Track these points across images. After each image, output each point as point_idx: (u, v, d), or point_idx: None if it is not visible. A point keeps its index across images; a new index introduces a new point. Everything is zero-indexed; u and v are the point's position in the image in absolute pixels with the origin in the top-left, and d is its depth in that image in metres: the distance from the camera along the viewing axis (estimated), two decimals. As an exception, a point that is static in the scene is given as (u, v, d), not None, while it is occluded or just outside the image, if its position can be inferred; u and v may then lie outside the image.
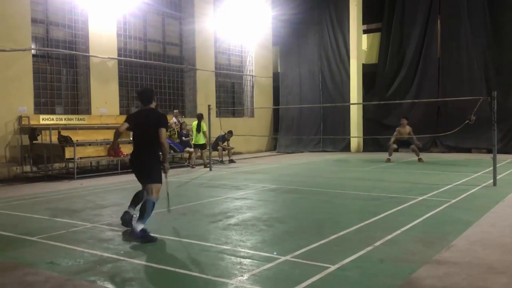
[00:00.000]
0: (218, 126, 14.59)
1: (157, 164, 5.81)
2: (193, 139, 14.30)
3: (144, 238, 5.25)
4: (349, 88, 19.80)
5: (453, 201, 7.47)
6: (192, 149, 14.47)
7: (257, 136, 19.49)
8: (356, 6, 19.54)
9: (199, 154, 14.45)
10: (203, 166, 14.18)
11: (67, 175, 12.26)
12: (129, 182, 10.91)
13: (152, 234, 5.35)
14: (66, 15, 13.60)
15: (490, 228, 5.63)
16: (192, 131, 14.40)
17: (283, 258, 4.51)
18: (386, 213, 6.61)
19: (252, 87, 20.89)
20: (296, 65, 21.45)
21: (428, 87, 18.44)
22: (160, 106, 16.72)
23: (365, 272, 4.10)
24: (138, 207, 5.77)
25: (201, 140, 14.10)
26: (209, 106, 13.61)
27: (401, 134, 14.35)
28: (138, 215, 5.47)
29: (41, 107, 13.05)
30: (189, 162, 14.60)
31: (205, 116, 13.81)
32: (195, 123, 14.25)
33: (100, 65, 14.18)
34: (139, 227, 5.30)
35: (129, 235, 5.50)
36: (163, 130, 5.68)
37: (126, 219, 5.86)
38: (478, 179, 10.10)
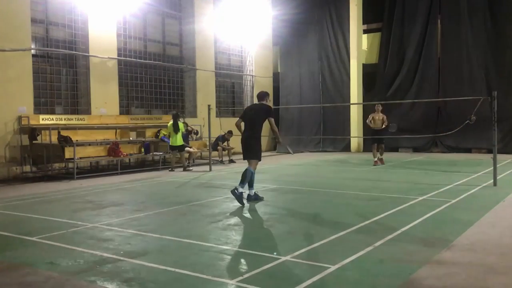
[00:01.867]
0: (218, 126, 14.57)
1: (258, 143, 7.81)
2: (170, 141, 13.35)
3: (239, 198, 7.37)
4: (349, 88, 19.80)
5: (453, 201, 7.46)
6: (192, 149, 14.43)
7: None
8: (356, 6, 19.55)
9: (178, 156, 13.57)
10: (182, 169, 13.35)
11: (67, 175, 12.26)
12: (129, 182, 10.92)
13: (244, 199, 7.45)
14: (66, 15, 13.61)
15: (490, 228, 5.62)
16: (170, 132, 13.35)
17: (283, 258, 4.51)
18: (386, 213, 6.60)
19: (252, 87, 20.89)
20: (296, 65, 21.46)
21: (428, 87, 18.45)
22: (160, 106, 16.73)
23: (365, 272, 4.10)
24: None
25: (179, 141, 13.23)
26: (209, 106, 13.59)
27: (375, 121, 14.11)
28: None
29: (41, 107, 13.05)
30: (189, 163, 14.56)
31: (205, 116, 13.77)
32: (170, 123, 13.30)
33: (100, 65, 14.18)
34: (239, 189, 7.38)
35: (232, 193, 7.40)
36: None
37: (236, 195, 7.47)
38: (478, 179, 10.10)
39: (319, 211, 7.14)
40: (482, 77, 17.33)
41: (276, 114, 21.54)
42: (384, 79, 19.43)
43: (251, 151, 7.73)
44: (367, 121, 14.36)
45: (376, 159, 13.96)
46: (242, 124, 8.01)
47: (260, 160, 7.78)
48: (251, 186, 7.82)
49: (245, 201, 7.54)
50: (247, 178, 7.54)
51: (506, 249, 4.76)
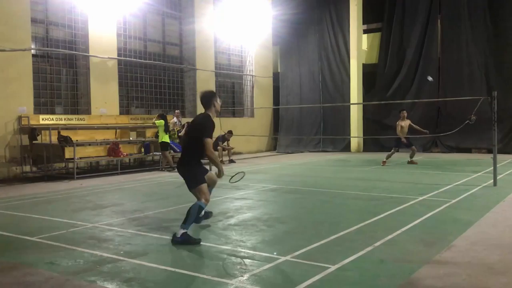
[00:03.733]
0: (218, 126, 14.50)
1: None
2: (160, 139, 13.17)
3: (188, 239, 5.17)
4: (349, 88, 19.80)
5: (453, 201, 7.46)
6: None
7: (257, 136, 19.49)
8: (356, 6, 19.55)
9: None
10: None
11: (67, 175, 12.25)
12: (129, 182, 10.92)
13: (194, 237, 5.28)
14: (66, 15, 13.60)
15: (490, 228, 5.62)
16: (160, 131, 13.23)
17: (283, 258, 4.51)
18: (386, 213, 6.60)
19: (252, 87, 20.89)
20: (296, 65, 21.45)
21: (428, 87, 18.43)
22: (160, 106, 16.72)
23: (365, 272, 4.10)
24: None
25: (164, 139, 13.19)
26: (209, 106, 13.54)
27: (403, 128, 13.87)
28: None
29: (41, 107, 13.05)
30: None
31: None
32: (162, 121, 13.13)
33: (100, 65, 14.18)
34: (179, 231, 5.21)
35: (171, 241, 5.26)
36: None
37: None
38: (478, 179, 10.10)
39: (319, 211, 7.14)
40: (482, 77, 17.34)
41: (276, 114, 21.67)
42: (384, 79, 19.43)
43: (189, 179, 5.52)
44: (397, 131, 13.70)
45: (386, 159, 13.87)
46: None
47: (203, 183, 5.49)
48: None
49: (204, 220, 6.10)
50: (193, 216, 5.34)
51: (506, 249, 4.76)
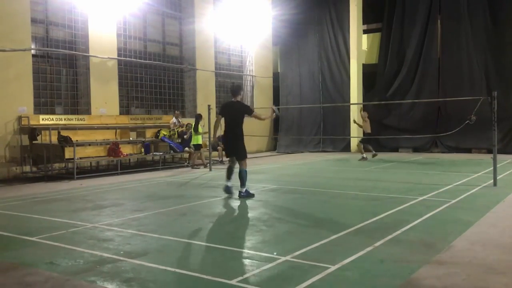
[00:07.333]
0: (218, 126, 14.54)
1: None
2: (192, 140, 14.18)
3: (248, 195, 8.02)
4: (349, 88, 19.80)
5: (453, 201, 7.46)
6: (192, 150, 14.43)
7: (257, 136, 19.47)
8: (356, 6, 19.54)
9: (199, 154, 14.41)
10: (203, 166, 14.14)
11: (67, 175, 12.25)
12: (129, 182, 10.92)
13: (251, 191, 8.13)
14: (66, 15, 13.61)
15: (490, 229, 5.62)
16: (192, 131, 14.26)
17: (283, 258, 4.51)
18: (386, 213, 6.60)
19: (252, 87, 20.89)
20: (296, 65, 21.45)
21: (428, 87, 18.45)
22: (160, 106, 16.73)
23: (365, 273, 4.10)
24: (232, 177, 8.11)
25: (199, 140, 14.08)
26: (209, 106, 13.60)
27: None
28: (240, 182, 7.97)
29: (41, 107, 13.05)
30: (189, 162, 14.59)
31: (205, 116, 13.79)
32: (193, 123, 14.15)
33: (100, 65, 14.18)
34: (243, 189, 8.00)
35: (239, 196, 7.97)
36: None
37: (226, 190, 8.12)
38: (478, 179, 10.10)
39: (319, 211, 7.14)
40: (482, 77, 17.33)
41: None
42: (384, 79, 19.43)
43: (240, 150, 8.13)
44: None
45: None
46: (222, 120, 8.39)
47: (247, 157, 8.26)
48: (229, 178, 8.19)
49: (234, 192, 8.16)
50: (246, 179, 8.07)
51: (506, 249, 4.76)
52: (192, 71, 17.69)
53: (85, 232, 5.88)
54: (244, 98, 20.90)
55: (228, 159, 8.46)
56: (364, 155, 15.16)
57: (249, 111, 8.25)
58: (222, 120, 8.43)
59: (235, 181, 8.22)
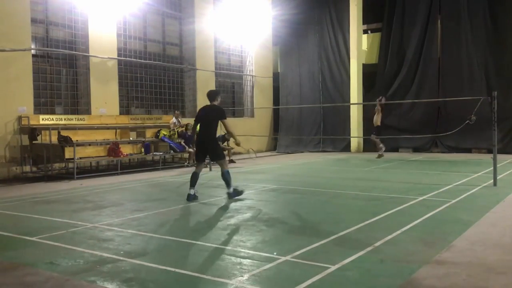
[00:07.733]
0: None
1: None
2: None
3: (236, 194, 8.03)
4: (349, 88, 19.79)
5: (453, 201, 7.46)
6: (192, 149, 14.43)
7: (257, 136, 19.48)
8: (356, 6, 19.53)
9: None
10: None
11: (67, 175, 12.25)
12: (129, 182, 10.92)
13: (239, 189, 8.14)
14: (66, 15, 13.60)
15: (490, 228, 5.62)
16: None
17: (283, 258, 4.51)
18: (386, 213, 6.60)
19: (252, 87, 20.89)
20: (296, 65, 21.45)
21: (428, 87, 18.44)
22: (160, 106, 16.72)
23: (365, 272, 4.10)
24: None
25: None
26: (209, 106, 13.57)
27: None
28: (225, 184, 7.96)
29: (41, 107, 13.05)
30: (188, 162, 14.59)
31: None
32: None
33: (100, 65, 14.18)
34: (230, 189, 7.96)
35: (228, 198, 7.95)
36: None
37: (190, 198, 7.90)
38: (478, 179, 10.10)
39: (319, 211, 7.14)
40: (482, 77, 17.32)
41: (276, 114, 21.67)
42: (384, 79, 19.42)
43: (218, 150, 8.29)
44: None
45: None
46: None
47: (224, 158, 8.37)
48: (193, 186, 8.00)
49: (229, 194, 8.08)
50: (230, 179, 8.01)
51: (506, 249, 4.76)
52: (192, 71, 17.69)
53: (85, 232, 5.88)
54: (244, 98, 20.93)
55: (195, 164, 8.38)
56: (382, 148, 15.00)
57: (223, 116, 8.18)
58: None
59: (222, 186, 8.43)
